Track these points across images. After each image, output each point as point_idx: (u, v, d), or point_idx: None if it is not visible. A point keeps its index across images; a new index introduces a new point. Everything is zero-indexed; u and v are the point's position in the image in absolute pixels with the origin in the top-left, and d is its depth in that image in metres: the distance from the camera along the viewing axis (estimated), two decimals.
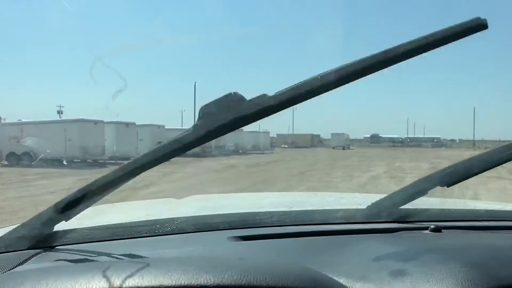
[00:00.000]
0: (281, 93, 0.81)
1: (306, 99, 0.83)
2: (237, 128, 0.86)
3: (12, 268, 0.80)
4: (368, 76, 0.83)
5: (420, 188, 1.12)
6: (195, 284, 0.48)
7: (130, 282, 0.46)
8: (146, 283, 0.47)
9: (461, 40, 0.82)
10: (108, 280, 0.46)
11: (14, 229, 0.97)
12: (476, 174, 1.10)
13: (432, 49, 0.81)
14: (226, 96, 0.81)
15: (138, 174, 0.88)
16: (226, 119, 0.81)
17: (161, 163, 0.87)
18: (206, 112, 0.82)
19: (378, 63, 0.80)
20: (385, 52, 0.80)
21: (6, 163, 18.18)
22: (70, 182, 11.48)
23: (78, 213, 0.92)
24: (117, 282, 0.46)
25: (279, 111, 0.83)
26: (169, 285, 0.48)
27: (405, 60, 0.82)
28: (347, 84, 0.83)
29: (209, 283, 0.49)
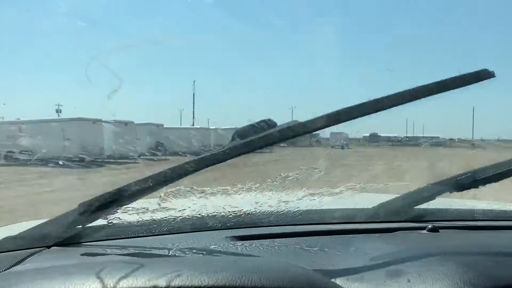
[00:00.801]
0: (311, 122, 0.94)
1: (328, 126, 0.97)
2: (266, 147, 0.99)
3: (9, 268, 0.79)
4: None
5: (431, 192, 1.12)
6: (190, 285, 0.48)
7: (124, 283, 0.46)
8: (140, 284, 0.47)
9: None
10: (102, 281, 0.45)
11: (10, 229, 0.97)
12: (490, 182, 1.10)
13: (442, 92, 0.96)
14: (260, 122, 0.94)
15: (167, 184, 0.97)
16: (257, 142, 0.93)
17: (191, 174, 0.95)
18: (240, 134, 0.94)
19: (396, 101, 0.95)
20: (402, 93, 0.95)
21: (4, 162, 18.15)
22: (68, 181, 11.47)
23: (101, 217, 0.94)
24: (111, 283, 0.46)
25: (305, 134, 0.96)
26: (163, 286, 0.47)
27: (416, 100, 0.96)
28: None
29: (203, 284, 0.48)
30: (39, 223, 0.99)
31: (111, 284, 0.46)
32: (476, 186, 1.11)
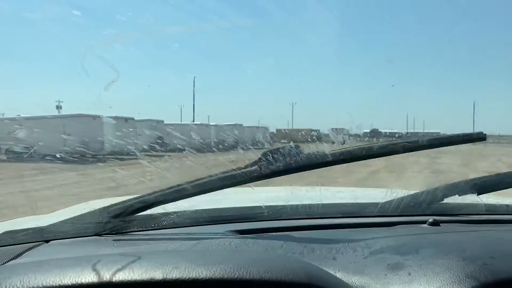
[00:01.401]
0: (335, 153, 1.06)
1: (353, 162, 1.10)
2: (292, 173, 1.07)
3: (7, 262, 0.80)
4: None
5: (440, 193, 1.14)
6: (187, 277, 0.48)
7: (120, 275, 0.46)
8: (136, 277, 0.46)
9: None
10: (98, 273, 0.45)
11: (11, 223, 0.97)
12: (507, 187, 1.13)
13: (439, 147, 1.16)
14: (287, 147, 1.03)
15: (195, 195, 1.04)
16: (285, 165, 1.01)
17: (220, 189, 1.04)
18: (269, 156, 1.02)
19: (401, 149, 1.10)
20: (411, 142, 1.13)
21: (5, 158, 18.16)
22: (68, 177, 11.48)
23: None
24: (106, 275, 0.45)
25: (330, 166, 1.07)
26: (160, 278, 0.47)
27: (417, 151, 1.14)
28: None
29: (201, 277, 0.48)
30: (37, 218, 1.00)
31: (107, 277, 0.45)
32: (491, 191, 1.16)
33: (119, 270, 0.46)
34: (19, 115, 21.67)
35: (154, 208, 1.23)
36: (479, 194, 1.13)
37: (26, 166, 14.73)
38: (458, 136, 1.13)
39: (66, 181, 10.83)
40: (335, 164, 1.05)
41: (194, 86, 43.20)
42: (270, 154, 1.02)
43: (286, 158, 1.01)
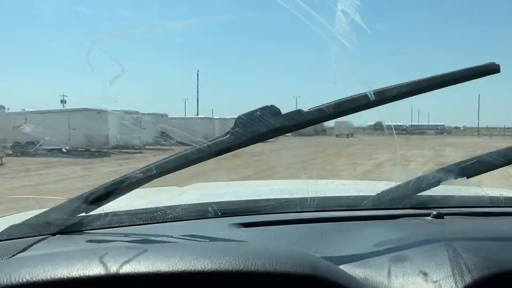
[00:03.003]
0: (315, 110, 0.92)
1: (336, 117, 0.96)
2: (270, 138, 0.95)
3: (14, 255, 0.81)
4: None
5: (436, 179, 1.12)
6: (193, 269, 0.48)
7: (127, 268, 0.47)
8: (143, 269, 0.47)
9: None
10: (105, 265, 0.46)
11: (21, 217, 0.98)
12: (499, 167, 1.10)
13: (448, 86, 0.98)
14: (262, 108, 0.90)
15: (171, 172, 0.95)
16: (260, 129, 0.89)
17: (193, 165, 0.94)
18: (242, 121, 0.90)
19: (402, 94, 0.94)
20: (409, 84, 0.94)
21: (10, 152, 18.24)
22: (73, 171, 11.54)
23: (104, 205, 0.96)
24: (113, 268, 0.46)
25: (311, 125, 0.94)
26: (167, 270, 0.48)
27: (422, 93, 0.97)
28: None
29: (206, 268, 0.49)
30: (43, 212, 1.01)
31: (114, 269, 0.46)
32: (482, 172, 1.11)
33: (125, 262, 0.47)
34: (24, 110, 21.76)
35: (160, 201, 1.24)
36: (468, 177, 1.12)
37: (31, 160, 14.82)
38: (467, 70, 0.97)
39: (71, 175, 10.89)
40: (317, 123, 0.94)
41: (198, 79, 43.17)
42: (245, 119, 0.90)
43: (262, 121, 0.89)
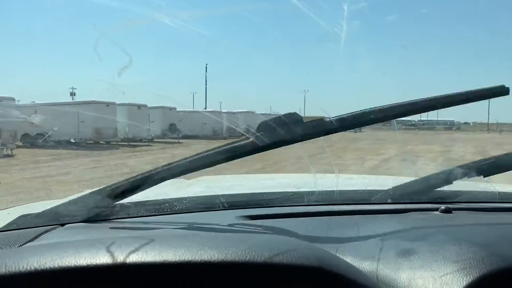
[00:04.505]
0: (339, 118, 0.94)
1: (357, 127, 1.00)
2: (292, 143, 0.97)
3: (23, 244, 0.83)
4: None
5: (448, 176, 1.12)
6: (199, 259, 0.49)
7: (134, 257, 0.47)
8: (150, 259, 0.47)
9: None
10: (112, 255, 0.46)
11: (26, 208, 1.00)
12: None
13: (456, 105, 1.03)
14: (286, 115, 0.93)
15: (187, 173, 0.98)
16: (283, 135, 0.92)
17: (213, 166, 0.96)
18: (265, 126, 0.93)
19: (411, 111, 0.99)
20: (417, 102, 0.98)
21: (20, 144, 18.41)
22: (82, 163, 11.63)
23: (113, 198, 0.98)
24: (120, 257, 0.47)
25: (333, 133, 0.96)
26: (173, 260, 0.48)
27: (433, 110, 1.05)
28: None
29: (212, 259, 0.49)
30: (52, 202, 1.02)
31: (121, 258, 0.47)
32: (498, 172, 1.11)
33: (132, 252, 0.47)
34: (34, 102, 21.93)
35: (167, 193, 1.25)
36: (485, 176, 1.12)
37: (41, 152, 14.96)
38: (476, 91, 1.03)
39: (80, 167, 10.97)
40: (337, 132, 0.96)
41: (206, 73, 43.15)
42: (269, 124, 0.93)
43: (284, 128, 0.92)
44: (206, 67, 44.30)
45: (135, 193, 0.97)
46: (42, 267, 0.45)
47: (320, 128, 0.94)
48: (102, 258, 0.46)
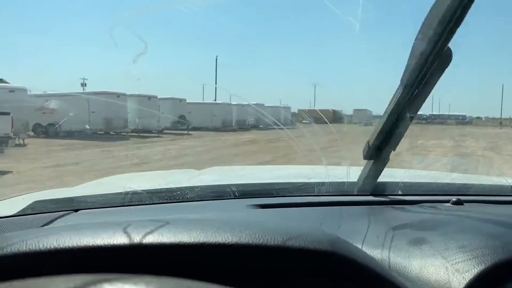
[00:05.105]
0: None
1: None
2: None
3: (41, 227, 0.85)
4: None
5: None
6: (214, 241, 0.49)
7: (150, 238, 0.48)
8: (165, 240, 0.48)
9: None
10: (129, 235, 0.47)
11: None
12: None
13: None
14: None
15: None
16: None
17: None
18: None
19: None
20: None
21: (32, 134, 18.64)
22: (93, 153, 11.73)
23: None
24: (137, 238, 0.47)
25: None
26: (188, 242, 0.49)
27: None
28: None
29: (227, 241, 0.49)
30: (66, 189, 1.05)
31: (137, 239, 0.47)
32: None
33: (148, 233, 0.48)
34: (45, 92, 22.12)
35: (179, 181, 1.26)
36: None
37: (52, 142, 15.13)
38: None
39: (91, 157, 11.08)
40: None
41: (216, 65, 43.12)
42: None
43: None
44: (216, 59, 44.26)
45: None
46: (61, 245, 0.46)
47: None
48: (119, 239, 0.47)
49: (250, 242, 0.50)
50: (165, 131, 21.86)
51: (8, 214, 0.96)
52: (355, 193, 1.16)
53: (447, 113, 68.19)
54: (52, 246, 0.46)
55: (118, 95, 20.64)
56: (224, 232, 0.51)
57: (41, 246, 0.46)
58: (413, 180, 1.16)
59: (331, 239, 0.55)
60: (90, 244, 0.46)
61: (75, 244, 0.46)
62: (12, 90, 16.25)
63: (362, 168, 1.19)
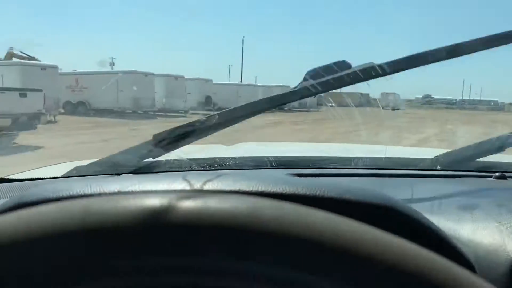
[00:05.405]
0: (387, 64, 0.91)
1: (410, 68, 0.94)
2: (338, 88, 0.97)
3: None
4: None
5: (500, 143, 1.08)
6: (272, 191, 0.49)
7: (210, 185, 0.47)
8: (225, 187, 0.48)
9: None
10: (189, 183, 0.46)
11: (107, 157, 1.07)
12: None
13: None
14: (334, 63, 0.92)
15: (239, 121, 0.99)
16: (332, 80, 0.90)
17: (262, 113, 0.99)
18: (312, 74, 0.91)
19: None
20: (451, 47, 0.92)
21: (62, 111, 19.04)
22: (121, 132, 11.93)
23: (171, 151, 0.99)
24: (197, 185, 0.47)
25: (381, 77, 0.93)
26: (247, 189, 0.49)
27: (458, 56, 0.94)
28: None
29: (285, 191, 0.49)
30: (110, 155, 1.07)
31: (198, 185, 0.47)
32: None
33: (208, 181, 0.47)
34: (75, 70, 22.49)
35: (217, 152, 1.25)
36: None
37: (82, 120, 15.46)
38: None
39: (119, 134, 11.27)
40: (383, 76, 0.93)
41: (243, 46, 42.78)
42: (316, 70, 0.93)
43: (331, 74, 0.91)
44: (243, 40, 43.88)
45: (188, 143, 0.97)
46: (125, 189, 0.46)
47: (368, 73, 0.91)
48: (180, 184, 0.47)
49: (308, 193, 0.50)
50: (191, 111, 21.97)
51: (55, 176, 1.01)
52: (394, 167, 1.13)
53: (479, 99, 65.98)
54: (116, 190, 0.45)
55: (146, 74, 20.81)
56: (280, 184, 0.50)
57: (105, 189, 0.46)
58: (452, 155, 1.13)
59: (388, 197, 0.54)
60: (153, 189, 0.46)
61: (138, 189, 0.45)
62: (44, 68, 16.57)
63: (398, 147, 1.16)
